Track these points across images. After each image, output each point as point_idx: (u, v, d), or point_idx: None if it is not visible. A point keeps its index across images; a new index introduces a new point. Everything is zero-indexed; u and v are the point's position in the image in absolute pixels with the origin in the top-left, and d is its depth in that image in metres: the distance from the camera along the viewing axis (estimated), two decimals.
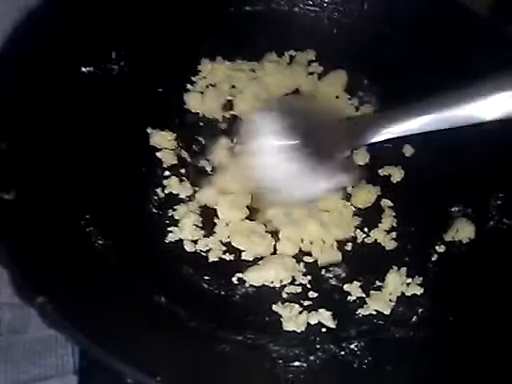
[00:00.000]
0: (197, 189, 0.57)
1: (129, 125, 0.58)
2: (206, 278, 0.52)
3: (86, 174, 0.52)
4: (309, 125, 0.50)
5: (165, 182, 0.57)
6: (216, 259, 0.53)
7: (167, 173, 0.58)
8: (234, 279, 0.52)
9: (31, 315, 0.58)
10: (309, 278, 0.52)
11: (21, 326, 0.57)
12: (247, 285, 0.52)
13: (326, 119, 0.52)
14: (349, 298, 0.51)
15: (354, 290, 0.52)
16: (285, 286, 0.52)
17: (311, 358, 0.45)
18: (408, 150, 0.61)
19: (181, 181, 0.57)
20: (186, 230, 0.54)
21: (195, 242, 0.54)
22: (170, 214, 0.55)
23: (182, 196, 0.57)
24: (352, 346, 0.47)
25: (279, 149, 0.48)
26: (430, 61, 0.62)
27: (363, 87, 0.65)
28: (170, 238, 0.54)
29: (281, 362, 0.45)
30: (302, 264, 0.53)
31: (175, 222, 0.55)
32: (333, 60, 0.65)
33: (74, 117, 0.53)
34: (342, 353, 0.46)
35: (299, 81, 0.65)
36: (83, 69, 0.57)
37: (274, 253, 0.54)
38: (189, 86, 0.64)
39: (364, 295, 0.51)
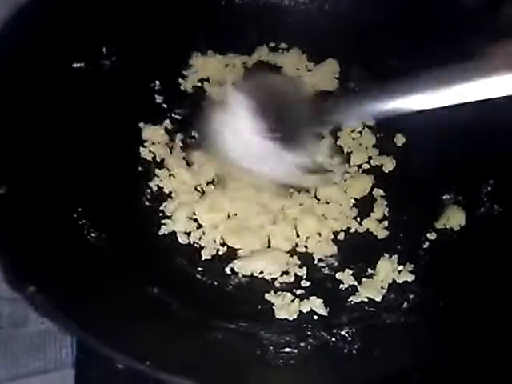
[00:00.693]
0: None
1: (121, 119, 0.58)
2: (200, 269, 0.52)
3: (79, 168, 0.53)
4: (277, 104, 0.49)
5: (157, 175, 0.58)
6: (209, 257, 0.53)
7: (159, 166, 0.58)
8: (227, 269, 0.52)
9: (30, 309, 0.58)
10: (301, 267, 0.53)
11: (20, 319, 0.58)
12: (240, 275, 0.52)
13: (295, 97, 0.51)
14: (341, 286, 0.52)
15: (346, 278, 0.52)
16: (277, 276, 0.52)
17: (302, 344, 0.46)
18: (399, 140, 0.61)
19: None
20: (179, 223, 0.55)
21: (188, 234, 0.54)
22: (162, 207, 0.56)
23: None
24: (343, 333, 0.47)
25: (249, 129, 0.48)
26: (424, 49, 0.62)
27: (355, 78, 0.66)
28: (164, 230, 0.54)
29: (272, 348, 0.45)
30: (295, 256, 0.54)
31: (168, 215, 0.55)
32: (324, 51, 0.66)
33: (66, 112, 0.54)
34: (333, 339, 0.47)
35: (290, 73, 0.66)
36: (75, 64, 0.57)
37: (269, 246, 0.54)
38: (180, 80, 0.64)
39: (356, 283, 0.52)
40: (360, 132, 0.62)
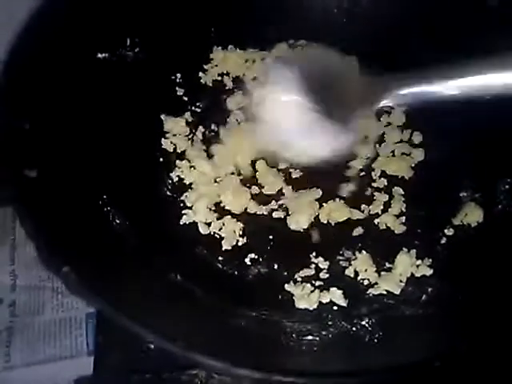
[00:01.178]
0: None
1: (143, 110, 0.59)
2: (220, 258, 0.53)
3: (103, 157, 0.54)
4: (323, 80, 0.50)
5: (178, 166, 0.58)
6: (229, 247, 0.54)
7: (180, 158, 0.59)
8: (247, 260, 0.53)
9: (46, 297, 0.59)
10: (326, 260, 0.53)
11: (36, 307, 0.59)
12: (260, 265, 0.53)
13: (341, 75, 0.52)
14: (359, 278, 0.52)
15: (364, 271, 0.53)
16: (298, 269, 0.53)
17: (324, 332, 0.47)
18: (416, 138, 0.62)
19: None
20: (199, 213, 0.55)
21: (209, 224, 0.55)
22: (183, 198, 0.56)
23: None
24: (363, 323, 0.48)
25: (291, 102, 0.48)
26: (443, 49, 0.63)
27: (374, 76, 0.66)
28: (185, 220, 0.55)
29: (294, 335, 0.46)
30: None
31: (189, 205, 0.56)
32: (343, 48, 0.66)
33: (91, 100, 0.55)
34: (354, 328, 0.47)
35: None
36: (99, 55, 0.58)
37: None
38: (201, 73, 0.65)
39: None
40: None
